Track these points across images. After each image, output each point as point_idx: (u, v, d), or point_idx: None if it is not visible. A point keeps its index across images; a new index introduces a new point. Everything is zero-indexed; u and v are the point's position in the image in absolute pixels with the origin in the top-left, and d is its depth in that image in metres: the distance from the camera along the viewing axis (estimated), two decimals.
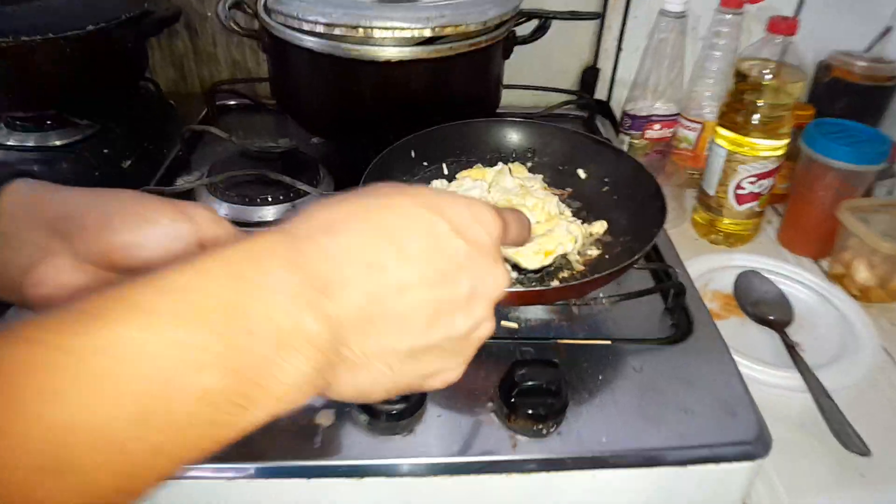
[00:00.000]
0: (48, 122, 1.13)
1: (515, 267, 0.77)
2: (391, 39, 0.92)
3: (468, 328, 0.39)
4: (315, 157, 1.07)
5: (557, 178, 0.94)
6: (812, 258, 1.08)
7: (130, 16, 1.05)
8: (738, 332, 0.90)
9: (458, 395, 0.70)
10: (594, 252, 0.84)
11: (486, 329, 0.41)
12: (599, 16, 1.15)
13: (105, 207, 0.44)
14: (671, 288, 0.81)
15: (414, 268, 0.35)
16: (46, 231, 0.42)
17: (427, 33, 0.92)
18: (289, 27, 0.95)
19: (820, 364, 0.83)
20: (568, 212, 0.88)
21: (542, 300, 0.76)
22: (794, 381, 0.80)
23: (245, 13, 1.03)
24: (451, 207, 0.38)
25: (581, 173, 0.94)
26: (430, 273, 0.36)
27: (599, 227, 0.86)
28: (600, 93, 1.37)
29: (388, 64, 0.94)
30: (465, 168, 0.94)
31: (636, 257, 0.70)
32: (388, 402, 0.65)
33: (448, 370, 0.41)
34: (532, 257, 0.76)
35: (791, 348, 0.84)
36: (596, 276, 0.69)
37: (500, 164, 0.94)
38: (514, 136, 0.97)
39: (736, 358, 0.77)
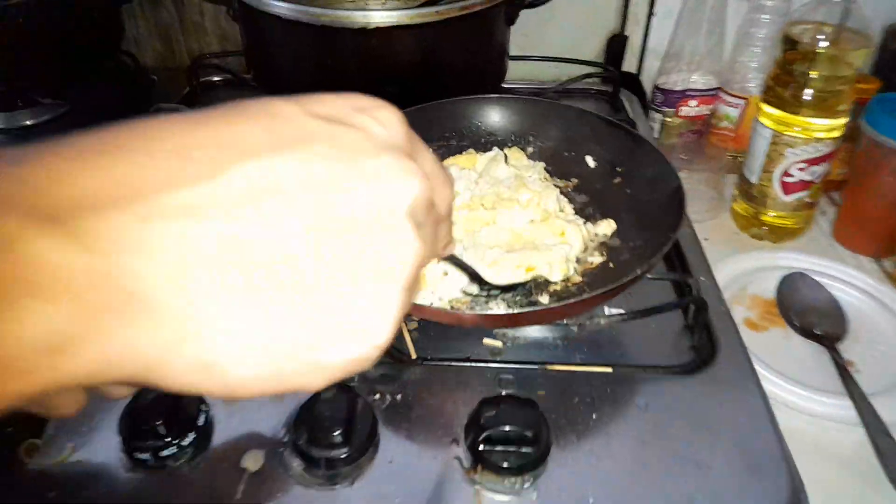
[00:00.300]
0: (18, 102, 1.04)
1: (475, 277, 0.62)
2: (370, 2, 0.78)
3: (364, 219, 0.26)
4: None
5: (561, 167, 0.80)
6: (873, 257, 0.95)
7: None
8: (779, 346, 0.78)
9: (416, 435, 0.58)
10: (596, 259, 0.70)
11: (410, 249, 0.27)
12: None
13: None
14: (690, 304, 0.66)
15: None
16: None
17: None
18: None
19: (878, 391, 0.71)
20: (569, 209, 0.75)
21: (514, 324, 0.63)
22: (845, 411, 0.69)
23: None
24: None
25: (589, 161, 0.80)
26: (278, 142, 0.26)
27: (606, 227, 0.72)
28: (629, 64, 1.24)
29: (365, 32, 0.81)
30: (455, 154, 0.81)
31: (640, 272, 0.56)
32: (328, 444, 0.53)
33: (358, 322, 0.25)
34: (505, 268, 0.62)
35: (843, 369, 0.73)
36: (593, 293, 0.55)
37: (496, 150, 0.80)
38: (512, 116, 0.84)
39: (774, 379, 0.69)
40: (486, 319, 0.59)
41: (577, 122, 0.81)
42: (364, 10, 0.80)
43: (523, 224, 0.69)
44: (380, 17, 0.80)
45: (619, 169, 0.78)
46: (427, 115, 0.81)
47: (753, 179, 0.95)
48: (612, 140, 0.78)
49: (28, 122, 1.05)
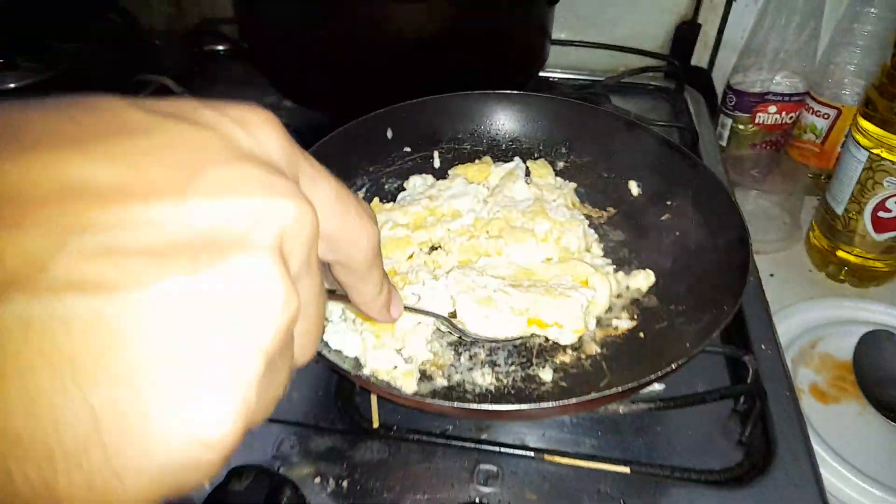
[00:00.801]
0: (1, 62, 0.96)
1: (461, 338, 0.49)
2: None
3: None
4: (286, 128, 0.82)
5: (597, 191, 0.66)
6: None
7: None
8: (851, 425, 0.67)
9: None
10: (623, 323, 0.54)
11: (269, 300, 0.20)
12: None
13: None
14: (744, 393, 0.50)
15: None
16: None
17: None
18: None
19: None
20: (598, 248, 0.59)
21: (496, 418, 0.48)
22: None
23: None
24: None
25: (634, 187, 0.64)
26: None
27: (643, 279, 0.57)
28: (698, 58, 1.11)
29: (379, 4, 0.67)
30: (466, 161, 0.67)
31: (677, 364, 0.40)
32: None
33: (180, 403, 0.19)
34: (501, 312, 0.47)
35: None
36: (612, 391, 0.40)
37: (517, 161, 0.65)
38: (542, 120, 0.69)
39: (840, 470, 0.58)
40: (456, 412, 0.45)
41: (626, 135, 0.66)
42: None
43: (535, 262, 0.54)
44: None
45: (669, 203, 0.62)
46: (432, 111, 0.67)
47: (839, 210, 0.83)
48: (666, 164, 0.63)
49: (11, 86, 0.97)
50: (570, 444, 0.52)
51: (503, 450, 0.50)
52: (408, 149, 0.68)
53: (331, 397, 0.54)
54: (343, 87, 0.77)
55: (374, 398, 0.53)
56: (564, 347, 0.52)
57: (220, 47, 1.09)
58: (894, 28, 0.87)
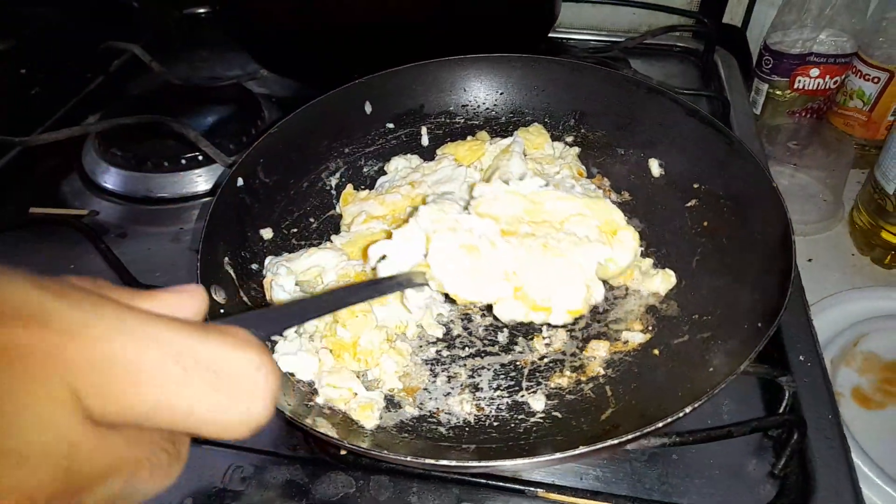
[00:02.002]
0: None
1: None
2: None
3: None
4: (260, 99, 0.75)
5: (612, 171, 0.57)
6: None
7: None
8: None
9: None
10: (635, 337, 0.46)
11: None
12: None
13: None
14: (780, 426, 0.42)
15: None
16: None
17: None
18: None
19: None
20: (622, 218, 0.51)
21: (481, 465, 0.40)
22: None
23: None
24: None
25: (654, 168, 0.56)
26: None
27: (661, 282, 0.48)
28: (731, 15, 1.04)
29: None
30: (458, 138, 0.59)
31: (703, 401, 0.32)
32: None
33: None
34: (485, 277, 0.39)
35: None
36: (621, 438, 0.33)
37: (515, 135, 0.57)
38: (547, 87, 0.60)
39: (886, 489, 0.53)
40: (436, 467, 0.38)
41: (647, 104, 0.57)
42: None
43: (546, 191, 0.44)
44: None
45: (697, 186, 0.53)
46: (420, 80, 0.59)
47: (889, 188, 0.78)
48: (695, 141, 0.54)
49: None
50: (570, 476, 0.45)
51: (491, 482, 0.43)
52: (390, 125, 0.61)
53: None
54: (321, 53, 0.69)
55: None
56: (562, 368, 0.44)
57: (201, 10, 1.02)
58: None
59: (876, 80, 0.89)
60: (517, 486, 0.44)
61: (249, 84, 0.80)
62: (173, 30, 0.99)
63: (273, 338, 0.45)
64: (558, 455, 0.32)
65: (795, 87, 0.94)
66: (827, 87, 0.94)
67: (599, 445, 0.32)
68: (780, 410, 0.44)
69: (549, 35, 0.84)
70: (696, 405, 0.34)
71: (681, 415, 0.33)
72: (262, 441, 0.46)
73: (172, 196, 0.67)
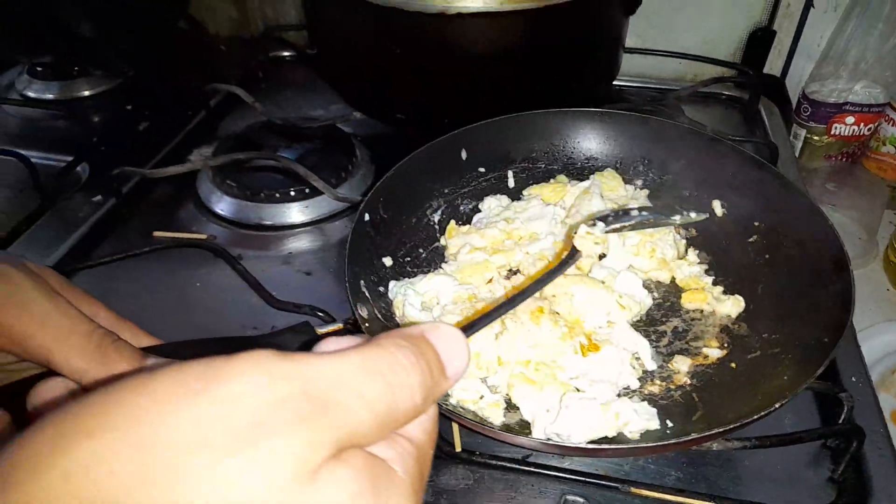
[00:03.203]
0: (74, 70, 0.98)
1: None
2: None
3: None
4: (353, 138, 0.82)
5: (680, 211, 0.62)
6: None
7: None
8: None
9: None
10: (714, 353, 0.52)
11: None
12: None
13: None
14: (843, 434, 0.48)
15: None
16: None
17: None
18: None
19: None
20: (693, 255, 0.58)
21: (594, 455, 0.47)
22: None
23: None
24: None
25: (718, 208, 0.62)
26: None
27: (732, 306, 0.54)
28: (772, 66, 1.08)
29: (444, 17, 0.66)
30: (541, 181, 0.66)
31: (779, 405, 0.39)
32: None
33: None
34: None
35: None
36: (711, 432, 0.39)
37: (593, 178, 0.64)
38: (619, 138, 0.67)
39: None
40: (552, 449, 0.45)
41: (709, 152, 0.63)
42: None
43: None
44: (463, 2, 0.65)
45: (757, 224, 0.59)
46: (505, 130, 0.65)
47: None
48: (753, 184, 0.60)
49: (85, 93, 0.99)
50: (654, 476, 0.51)
51: (588, 479, 0.50)
52: (482, 169, 0.67)
53: None
54: (413, 101, 0.76)
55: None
56: (652, 378, 0.51)
57: (286, 53, 1.09)
58: None
59: None
60: (612, 484, 0.50)
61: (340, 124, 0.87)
62: (259, 71, 1.06)
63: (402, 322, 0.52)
64: (661, 444, 0.39)
65: (832, 133, 0.99)
66: (861, 133, 0.99)
67: (694, 436, 0.38)
68: (840, 421, 0.50)
69: None
70: (777, 406, 0.40)
71: (763, 414, 0.40)
72: None
73: (282, 224, 0.73)
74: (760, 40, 1.03)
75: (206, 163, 0.75)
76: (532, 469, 0.51)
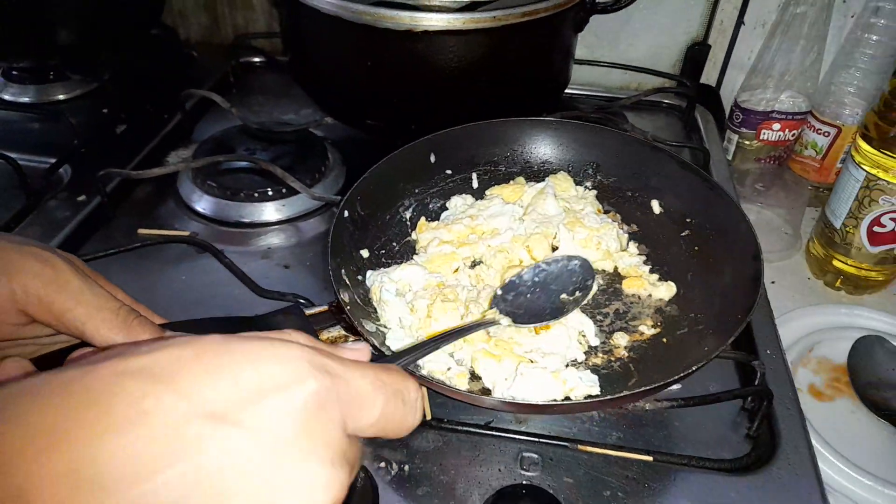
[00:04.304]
0: (50, 75, 1.01)
1: None
2: (416, 4, 0.70)
3: None
4: (325, 142, 0.88)
5: (622, 208, 0.71)
6: None
7: None
8: (845, 422, 0.72)
9: None
10: (647, 329, 0.60)
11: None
12: None
13: None
14: (754, 394, 0.57)
15: None
16: None
17: None
18: None
19: None
20: (634, 247, 0.66)
21: (549, 412, 0.55)
22: None
23: None
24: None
25: (655, 206, 0.70)
26: None
27: (665, 291, 0.63)
28: (707, 77, 1.16)
29: (411, 35, 0.73)
30: (502, 182, 0.73)
31: (700, 365, 0.47)
32: None
33: None
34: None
35: None
36: (641, 389, 0.47)
37: (548, 181, 0.71)
38: (571, 144, 0.74)
39: (833, 461, 0.63)
40: (509, 408, 0.52)
41: (650, 159, 0.71)
42: (412, 9, 0.71)
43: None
44: (429, 20, 0.72)
45: (689, 220, 0.68)
46: (470, 137, 0.73)
47: (837, 223, 0.87)
48: (686, 186, 0.68)
49: (61, 97, 1.02)
50: (599, 437, 0.58)
51: (542, 441, 0.57)
52: (449, 171, 0.74)
53: None
54: (382, 108, 0.82)
55: (425, 394, 0.60)
56: (596, 352, 0.59)
57: (256, 59, 1.14)
58: (893, 54, 0.91)
59: (826, 133, 1.00)
60: (562, 443, 0.57)
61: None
62: (231, 76, 1.10)
63: (382, 330, 0.58)
64: (598, 400, 0.46)
65: (761, 138, 1.05)
66: (787, 138, 1.05)
67: (626, 393, 0.46)
68: (755, 384, 0.59)
69: None
70: (694, 368, 0.48)
71: (685, 373, 0.47)
72: None
73: (260, 221, 0.79)
74: (697, 54, 1.11)
75: (189, 164, 0.79)
76: (493, 433, 0.58)
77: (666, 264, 0.67)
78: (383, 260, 0.66)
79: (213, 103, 0.98)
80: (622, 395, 0.46)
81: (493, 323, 0.54)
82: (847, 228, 0.85)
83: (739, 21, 1.08)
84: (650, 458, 0.56)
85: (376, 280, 0.59)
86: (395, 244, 0.68)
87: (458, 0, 0.72)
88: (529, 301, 0.57)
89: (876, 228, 0.82)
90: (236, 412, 0.25)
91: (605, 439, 0.58)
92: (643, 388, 0.46)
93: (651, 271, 0.66)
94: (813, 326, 0.82)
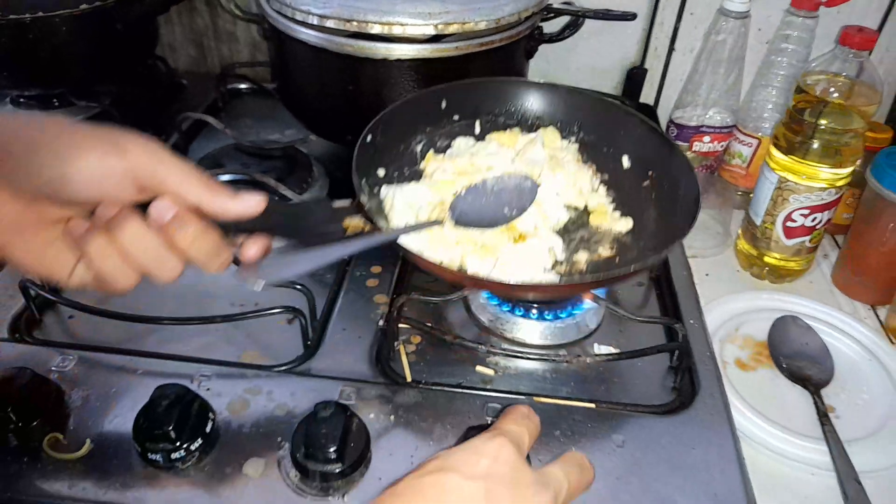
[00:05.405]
0: (55, 102, 1.10)
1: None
2: (390, 37, 0.82)
3: None
4: (310, 157, 1.00)
5: (597, 160, 0.81)
6: (870, 305, 0.95)
7: None
8: (765, 387, 0.80)
9: (406, 455, 0.61)
10: (605, 252, 0.71)
11: None
12: (635, 17, 1.00)
13: (34, 135, 0.43)
14: (676, 349, 0.69)
15: None
16: None
17: (430, 31, 0.82)
18: (284, 16, 0.87)
19: (856, 437, 0.72)
20: (603, 190, 0.77)
21: (494, 289, 0.67)
22: (821, 456, 0.70)
23: None
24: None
25: (625, 161, 0.80)
26: None
27: (624, 224, 0.73)
28: (646, 96, 1.26)
29: (386, 63, 0.84)
30: (500, 130, 0.82)
31: (633, 268, 0.60)
32: (323, 459, 0.57)
33: None
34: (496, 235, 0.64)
35: (823, 415, 0.74)
36: (576, 282, 0.61)
37: (539, 132, 0.81)
38: (561, 105, 0.83)
39: (755, 419, 0.71)
40: (491, 285, 0.62)
41: (624, 122, 0.80)
42: (387, 41, 0.83)
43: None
44: (402, 50, 0.84)
45: (650, 173, 0.76)
46: (479, 90, 0.82)
47: (758, 221, 0.96)
48: (651, 145, 0.77)
49: None
50: (551, 391, 0.70)
51: (504, 395, 0.69)
52: (456, 116, 0.80)
53: (373, 362, 0.72)
54: (362, 127, 0.93)
55: (405, 360, 0.71)
56: (561, 264, 0.68)
57: (242, 86, 1.23)
58: (800, 74, 1.03)
59: (750, 144, 1.09)
60: (520, 396, 0.68)
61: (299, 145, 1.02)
62: (220, 102, 1.20)
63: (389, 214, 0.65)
64: (556, 284, 0.60)
65: (694, 149, 1.12)
66: (716, 149, 1.12)
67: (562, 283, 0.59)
68: (678, 342, 0.71)
69: None
70: (635, 267, 0.60)
71: (628, 270, 0.60)
72: (356, 375, 0.69)
73: None
74: (636, 76, 1.22)
75: None
76: (464, 391, 0.69)
77: (627, 206, 0.75)
78: (395, 180, 0.74)
79: (204, 125, 1.09)
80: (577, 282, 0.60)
81: (438, 223, 0.64)
82: (766, 225, 0.94)
83: (671, 48, 1.19)
84: (593, 406, 0.67)
85: (389, 192, 0.67)
86: (406, 169, 0.76)
87: (425, 33, 0.84)
88: (483, 206, 0.66)
89: (789, 224, 0.92)
90: None
91: (557, 393, 0.70)
92: (594, 278, 0.59)
93: (614, 209, 0.76)
94: (739, 310, 0.91)
